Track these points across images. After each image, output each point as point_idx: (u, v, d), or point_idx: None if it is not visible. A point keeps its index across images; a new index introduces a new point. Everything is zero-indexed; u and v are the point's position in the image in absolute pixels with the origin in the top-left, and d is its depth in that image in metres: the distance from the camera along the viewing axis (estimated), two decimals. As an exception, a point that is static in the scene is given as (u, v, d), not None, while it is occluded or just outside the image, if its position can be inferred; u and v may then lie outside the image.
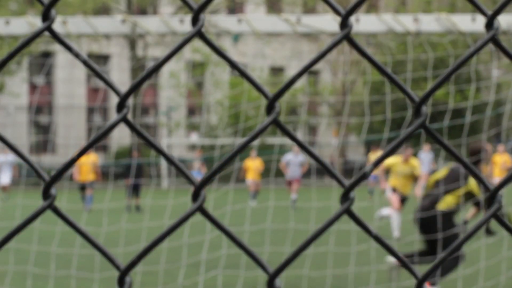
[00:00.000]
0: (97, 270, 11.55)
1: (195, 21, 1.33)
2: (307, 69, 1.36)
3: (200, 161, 32.85)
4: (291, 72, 57.01)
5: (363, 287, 10.73)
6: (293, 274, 11.41)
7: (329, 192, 13.88)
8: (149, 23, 9.50)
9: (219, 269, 11.75)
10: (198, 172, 31.75)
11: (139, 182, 25.95)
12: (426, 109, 1.39)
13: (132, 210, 25.24)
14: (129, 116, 1.32)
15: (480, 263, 12.01)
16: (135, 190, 25.97)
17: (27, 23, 9.15)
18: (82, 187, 25.17)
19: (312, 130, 59.19)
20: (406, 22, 9.23)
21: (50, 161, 48.71)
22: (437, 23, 9.24)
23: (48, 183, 1.32)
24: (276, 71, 58.69)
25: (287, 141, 43.72)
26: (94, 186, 25.57)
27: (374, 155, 28.99)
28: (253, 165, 29.44)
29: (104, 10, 45.40)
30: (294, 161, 26.30)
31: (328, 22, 9.26)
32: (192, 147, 53.07)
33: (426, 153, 30.66)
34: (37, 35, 1.33)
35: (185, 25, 9.22)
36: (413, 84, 40.21)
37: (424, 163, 31.61)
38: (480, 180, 1.44)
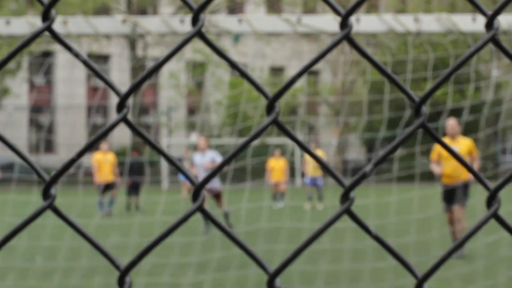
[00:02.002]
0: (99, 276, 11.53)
1: (195, 21, 1.34)
2: (307, 69, 1.36)
3: (190, 162, 32.13)
4: (291, 72, 57.02)
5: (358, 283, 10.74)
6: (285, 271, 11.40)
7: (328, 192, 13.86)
8: (149, 23, 9.50)
9: (209, 272, 11.71)
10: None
11: (139, 181, 25.82)
12: (426, 109, 1.39)
13: (132, 209, 25.17)
14: (129, 116, 1.32)
15: (479, 261, 12.02)
16: (135, 189, 25.84)
17: (27, 23, 9.15)
18: (103, 189, 24.15)
19: (312, 130, 59.20)
20: (406, 22, 9.23)
21: (50, 161, 48.72)
22: (438, 23, 9.24)
23: (48, 183, 1.32)
24: (276, 71, 58.71)
25: (287, 141, 43.74)
26: (115, 187, 24.48)
27: (276, 161, 27.67)
28: (277, 165, 28.04)
29: (104, 10, 45.41)
30: (202, 162, 19.00)
31: (329, 22, 9.27)
32: (192, 147, 53.07)
33: None
34: (37, 35, 1.33)
35: (185, 25, 9.22)
36: (414, 84, 40.21)
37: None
38: (479, 180, 1.44)
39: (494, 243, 13.91)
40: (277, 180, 27.80)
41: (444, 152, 13.37)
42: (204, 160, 18.78)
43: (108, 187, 24.05)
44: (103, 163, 24.14)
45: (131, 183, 25.71)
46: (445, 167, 13.52)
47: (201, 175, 18.50)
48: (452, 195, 13.50)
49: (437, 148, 13.70)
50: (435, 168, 13.62)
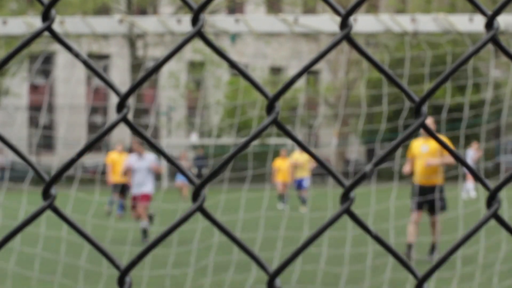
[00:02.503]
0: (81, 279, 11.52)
1: (195, 21, 1.33)
2: (307, 69, 1.36)
3: (187, 162, 31.69)
4: (291, 72, 57.05)
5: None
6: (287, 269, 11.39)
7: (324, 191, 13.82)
8: (146, 23, 9.49)
9: (208, 276, 11.70)
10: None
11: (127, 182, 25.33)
12: (426, 109, 1.39)
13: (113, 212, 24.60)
14: (129, 116, 1.32)
15: (478, 260, 12.02)
16: (122, 190, 25.38)
17: (24, 23, 9.14)
18: (116, 189, 23.69)
19: (312, 130, 59.20)
20: (403, 22, 9.23)
21: (50, 161, 48.73)
22: (435, 23, 9.23)
23: (48, 183, 1.32)
24: (276, 71, 58.73)
25: (287, 141, 43.76)
26: (127, 190, 24.19)
27: (300, 155, 26.05)
28: (283, 165, 27.03)
29: (104, 10, 45.42)
30: (140, 166, 16.94)
31: (326, 22, 9.26)
32: (192, 147, 53.11)
33: (473, 151, 29.69)
34: (37, 35, 1.33)
35: (182, 25, 9.22)
36: (413, 84, 40.22)
37: (467, 160, 30.69)
38: (479, 180, 1.44)
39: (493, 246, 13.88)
40: (283, 181, 26.99)
41: (417, 151, 13.21)
42: (143, 164, 16.89)
43: (120, 187, 23.68)
44: (117, 163, 23.91)
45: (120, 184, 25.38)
46: (418, 166, 13.15)
47: (138, 179, 16.89)
48: (427, 200, 13.03)
49: (411, 147, 13.42)
50: (406, 167, 13.34)
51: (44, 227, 13.83)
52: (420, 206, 13.16)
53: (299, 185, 25.94)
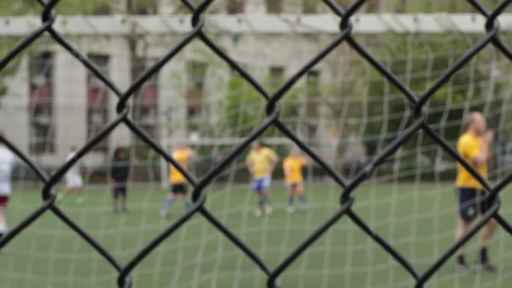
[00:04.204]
0: (94, 274, 11.50)
1: (195, 21, 1.34)
2: (307, 69, 1.36)
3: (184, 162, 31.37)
4: (291, 72, 57.06)
5: (359, 287, 10.73)
6: (290, 274, 11.39)
7: (326, 192, 13.81)
8: (148, 23, 9.50)
9: (213, 272, 11.70)
10: None
11: (124, 183, 25.32)
12: (426, 109, 1.39)
13: (119, 212, 24.61)
14: (129, 117, 1.32)
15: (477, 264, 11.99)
16: (122, 191, 25.40)
17: (26, 23, 9.14)
18: (176, 188, 23.38)
19: (312, 130, 59.23)
20: (405, 22, 9.23)
21: (49, 162, 48.74)
22: (437, 23, 9.23)
23: (48, 183, 1.32)
24: (276, 71, 58.73)
25: (287, 141, 43.74)
26: (187, 190, 23.72)
27: (257, 155, 24.43)
28: (295, 164, 25.97)
29: (104, 10, 45.41)
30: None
31: (328, 22, 9.26)
32: (192, 147, 53.10)
33: None
34: (37, 35, 1.33)
35: (185, 25, 9.22)
36: (414, 84, 40.20)
37: None
38: (480, 180, 1.44)
39: (492, 246, 13.87)
40: (294, 181, 26.14)
41: (476, 150, 11.74)
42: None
43: (180, 187, 23.37)
44: (181, 162, 23.45)
45: (118, 185, 25.43)
46: (480, 167, 11.72)
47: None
48: (483, 204, 11.83)
49: (470, 144, 11.83)
50: (482, 155, 11.67)
51: (37, 226, 13.81)
52: (483, 210, 11.84)
53: (258, 186, 24.50)
